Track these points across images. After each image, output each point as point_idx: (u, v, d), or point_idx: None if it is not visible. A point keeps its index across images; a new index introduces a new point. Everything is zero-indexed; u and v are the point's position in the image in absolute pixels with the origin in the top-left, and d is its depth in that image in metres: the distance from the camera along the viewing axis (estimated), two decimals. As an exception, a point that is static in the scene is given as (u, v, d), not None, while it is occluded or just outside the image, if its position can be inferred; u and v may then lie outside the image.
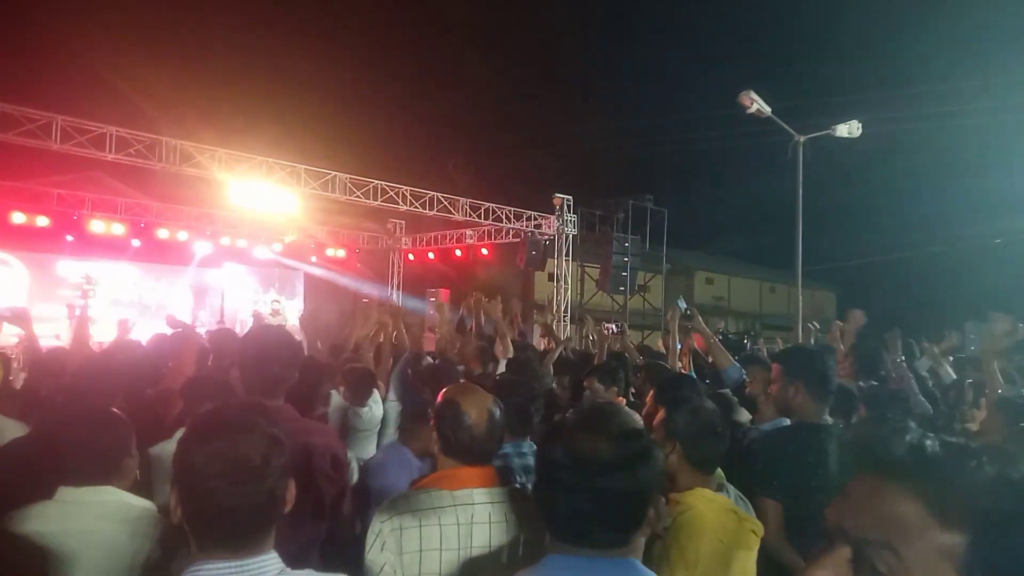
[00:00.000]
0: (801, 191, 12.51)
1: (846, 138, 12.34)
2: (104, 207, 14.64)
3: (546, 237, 16.01)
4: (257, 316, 10.71)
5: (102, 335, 9.69)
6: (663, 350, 6.68)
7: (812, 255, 13.36)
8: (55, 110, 9.97)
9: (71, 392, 2.98)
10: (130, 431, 2.18)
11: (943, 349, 6.04)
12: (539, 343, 7.22)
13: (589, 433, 1.42)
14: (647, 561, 1.93)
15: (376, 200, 13.49)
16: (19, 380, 4.30)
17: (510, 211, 15.51)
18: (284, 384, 2.36)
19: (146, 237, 15.47)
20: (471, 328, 6.95)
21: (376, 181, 13.40)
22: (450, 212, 14.58)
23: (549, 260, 16.29)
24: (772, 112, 11.85)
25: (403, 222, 18.81)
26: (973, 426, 4.27)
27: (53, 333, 11.91)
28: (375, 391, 4.39)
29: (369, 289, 18.48)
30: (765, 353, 6.23)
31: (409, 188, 13.93)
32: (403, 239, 19.27)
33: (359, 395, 4.23)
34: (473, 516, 1.90)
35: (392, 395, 4.51)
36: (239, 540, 1.36)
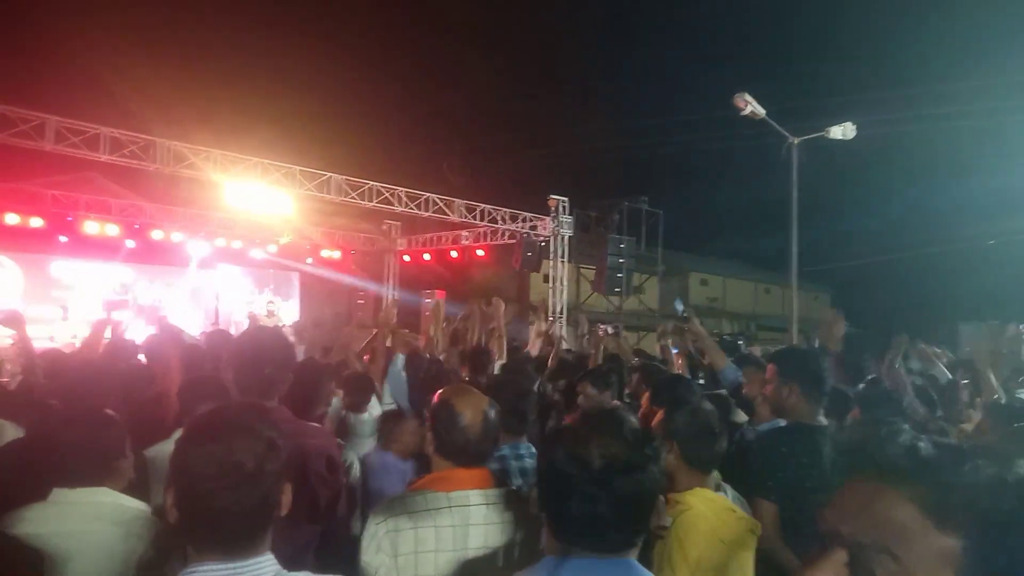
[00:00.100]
0: (796, 192, 12.55)
1: (840, 140, 12.38)
2: (98, 208, 14.58)
3: (542, 238, 16.00)
4: (252, 318, 10.68)
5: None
6: (657, 353, 6.69)
7: (807, 256, 13.41)
8: (49, 111, 9.93)
9: (65, 394, 2.97)
10: (124, 433, 2.18)
11: (930, 355, 6.09)
12: (534, 344, 7.20)
13: (603, 437, 1.41)
14: (647, 561, 1.93)
15: (372, 201, 13.47)
16: (14, 382, 4.28)
17: (506, 212, 15.51)
18: (278, 385, 2.35)
19: (141, 238, 15.42)
20: (465, 338, 6.96)
21: (372, 182, 13.38)
22: (446, 213, 14.56)
23: (545, 261, 16.27)
24: (766, 114, 11.88)
25: (399, 223, 18.79)
26: (968, 426, 4.29)
27: (47, 335, 11.86)
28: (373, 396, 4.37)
29: (365, 290, 18.49)
30: (760, 354, 6.25)
31: (405, 189, 13.91)
32: (399, 240, 19.25)
33: (358, 401, 4.19)
34: (468, 518, 1.90)
35: (388, 397, 4.49)
36: (234, 542, 1.37)
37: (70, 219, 14.24)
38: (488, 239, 16.90)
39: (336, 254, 18.94)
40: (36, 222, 13.84)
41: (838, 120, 12.38)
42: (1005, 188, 23.79)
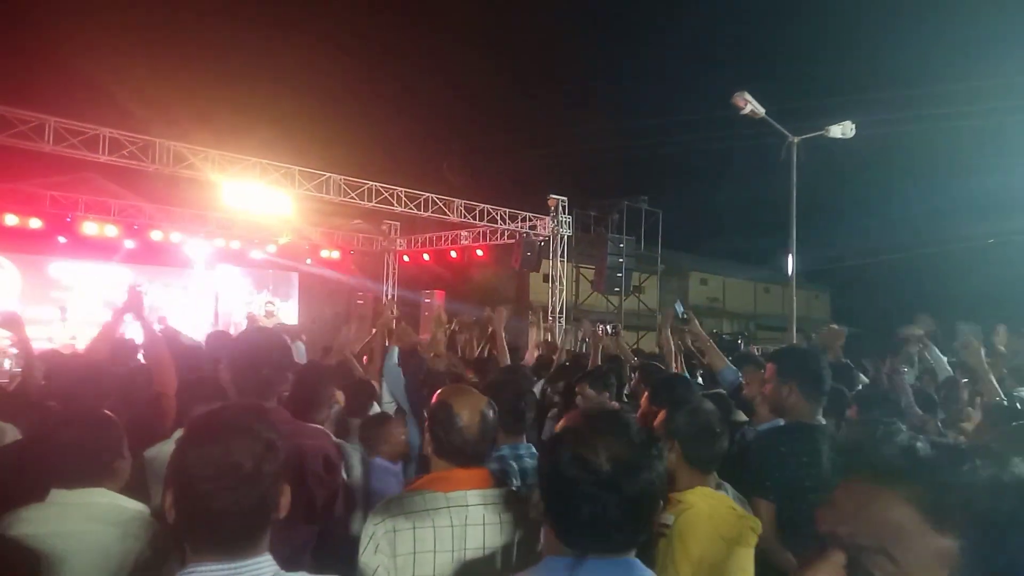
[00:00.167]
0: (795, 192, 12.55)
1: (839, 139, 12.37)
2: (97, 209, 14.58)
3: (541, 238, 16.00)
4: (251, 318, 10.68)
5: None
6: (657, 350, 6.69)
7: (806, 255, 13.42)
8: (48, 111, 9.93)
9: (63, 395, 2.97)
10: (122, 433, 2.18)
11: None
12: (532, 354, 7.19)
13: (609, 439, 1.40)
14: (649, 559, 1.94)
15: (371, 201, 13.48)
16: (13, 383, 4.28)
17: (505, 212, 15.52)
18: (276, 386, 2.35)
19: (139, 239, 15.42)
20: (462, 345, 6.98)
21: (371, 182, 13.38)
22: (445, 213, 14.57)
23: (544, 261, 16.29)
24: (766, 113, 11.88)
25: (398, 223, 18.79)
26: (968, 425, 4.29)
27: (46, 336, 11.85)
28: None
29: (364, 290, 18.48)
30: (759, 353, 6.25)
31: (404, 189, 13.91)
32: (398, 240, 19.25)
33: (358, 406, 4.16)
34: (467, 518, 1.90)
35: (387, 396, 4.48)
36: (232, 543, 1.37)
37: (69, 220, 14.24)
38: (487, 239, 16.91)
39: (335, 254, 18.94)
40: (35, 223, 13.84)
41: (836, 120, 12.38)
42: (1004, 187, 23.80)
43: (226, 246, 16.72)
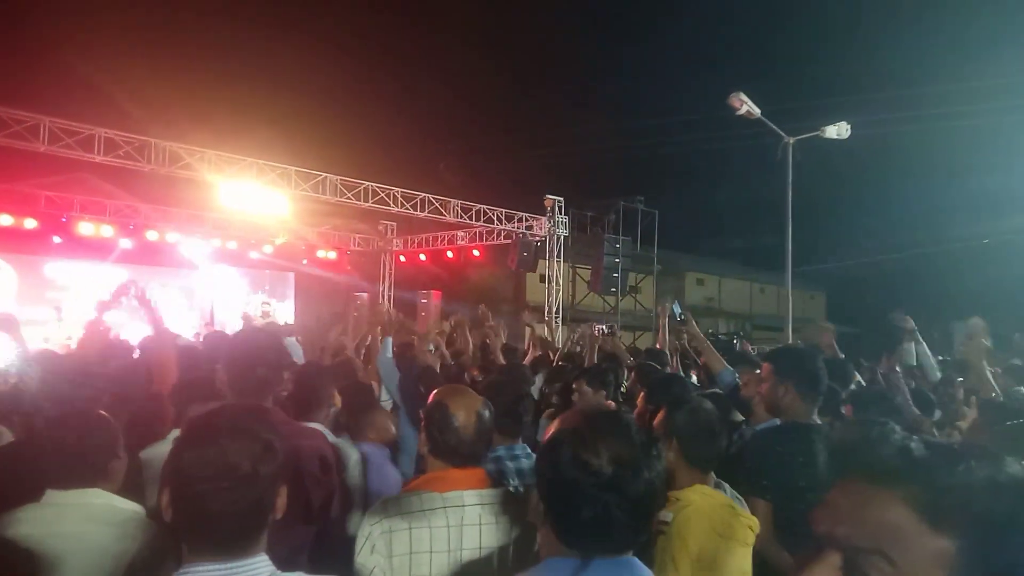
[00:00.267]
0: (791, 192, 12.56)
1: (835, 139, 12.39)
2: (93, 209, 14.54)
3: (537, 238, 16.01)
4: (247, 318, 10.66)
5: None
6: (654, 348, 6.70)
7: (802, 256, 13.46)
8: (43, 111, 9.91)
9: (57, 396, 2.96)
10: (117, 434, 2.17)
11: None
12: (531, 355, 7.21)
13: (610, 440, 1.40)
14: (648, 557, 1.94)
15: (367, 202, 13.47)
16: (7, 384, 4.25)
17: (501, 212, 15.52)
18: (271, 386, 2.35)
19: (135, 239, 15.38)
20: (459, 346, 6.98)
21: (367, 183, 13.37)
22: (441, 213, 14.57)
23: (540, 261, 16.29)
24: (762, 113, 11.89)
25: (394, 224, 18.78)
26: (963, 424, 4.30)
27: (41, 336, 11.81)
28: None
29: (361, 290, 18.45)
30: (755, 352, 6.26)
31: (400, 189, 13.91)
32: (394, 241, 19.24)
33: (355, 409, 4.14)
34: (463, 518, 1.90)
35: (384, 394, 4.47)
36: (229, 543, 1.37)
37: (64, 220, 14.20)
38: (484, 239, 16.91)
39: (332, 255, 18.92)
40: (30, 223, 13.81)
41: (832, 120, 12.40)
42: (999, 188, 23.88)
43: (222, 246, 16.70)
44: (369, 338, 5.49)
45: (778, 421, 3.09)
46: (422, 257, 18.69)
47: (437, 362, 5.04)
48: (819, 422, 2.87)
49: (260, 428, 1.43)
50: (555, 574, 1.38)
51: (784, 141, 12.47)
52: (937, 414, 4.56)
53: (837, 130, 12.34)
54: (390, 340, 4.36)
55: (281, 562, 1.44)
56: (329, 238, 18.52)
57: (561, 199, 15.81)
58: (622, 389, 4.84)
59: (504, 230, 15.93)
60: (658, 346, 6.49)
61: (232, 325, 15.29)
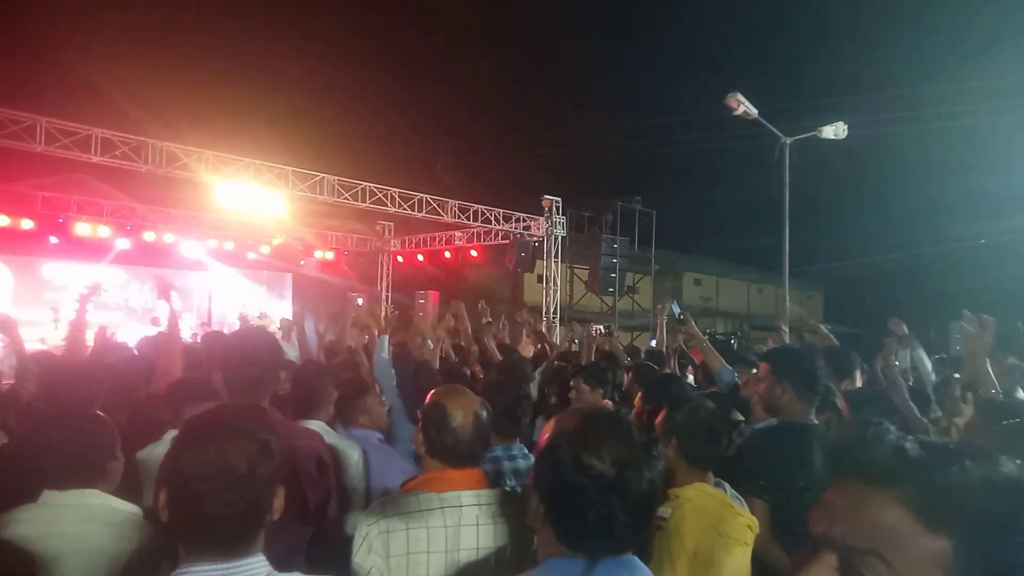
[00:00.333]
0: (788, 192, 12.59)
1: (832, 140, 12.43)
2: (89, 210, 14.52)
3: (535, 239, 16.02)
4: (244, 319, 10.65)
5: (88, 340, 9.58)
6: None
7: (799, 256, 13.46)
8: (40, 112, 9.89)
9: (54, 396, 2.95)
10: (114, 434, 2.17)
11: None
12: (526, 344, 7.23)
13: (611, 442, 1.39)
14: (645, 553, 1.94)
15: (365, 202, 13.46)
16: (5, 386, 4.25)
17: (499, 213, 15.53)
18: (266, 386, 2.34)
19: (132, 239, 15.36)
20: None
21: (365, 183, 13.37)
22: (439, 214, 14.57)
23: (538, 262, 16.30)
24: (759, 114, 11.92)
25: (392, 224, 18.77)
26: (960, 420, 4.29)
27: (38, 337, 11.79)
28: None
29: (358, 291, 18.44)
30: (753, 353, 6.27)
31: (398, 190, 13.90)
32: (392, 241, 19.23)
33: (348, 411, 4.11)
34: (461, 519, 1.90)
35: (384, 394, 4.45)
36: (226, 543, 1.36)
37: (61, 221, 14.18)
38: (482, 239, 16.92)
39: (329, 255, 18.91)
40: (27, 224, 13.78)
41: (829, 121, 12.43)
42: (996, 187, 23.95)
43: (220, 247, 16.68)
44: (367, 338, 5.47)
45: (776, 421, 3.09)
46: (420, 257, 18.70)
47: (436, 358, 5.00)
48: (816, 422, 2.88)
49: (257, 428, 1.43)
50: (559, 575, 1.38)
51: (781, 141, 12.50)
52: (935, 412, 4.56)
53: (834, 130, 12.38)
54: (386, 339, 4.25)
55: (278, 562, 1.44)
56: (327, 239, 18.51)
57: (559, 199, 15.82)
58: (620, 388, 4.84)
59: (502, 230, 15.93)
60: (654, 344, 6.51)
61: (229, 325, 15.30)
